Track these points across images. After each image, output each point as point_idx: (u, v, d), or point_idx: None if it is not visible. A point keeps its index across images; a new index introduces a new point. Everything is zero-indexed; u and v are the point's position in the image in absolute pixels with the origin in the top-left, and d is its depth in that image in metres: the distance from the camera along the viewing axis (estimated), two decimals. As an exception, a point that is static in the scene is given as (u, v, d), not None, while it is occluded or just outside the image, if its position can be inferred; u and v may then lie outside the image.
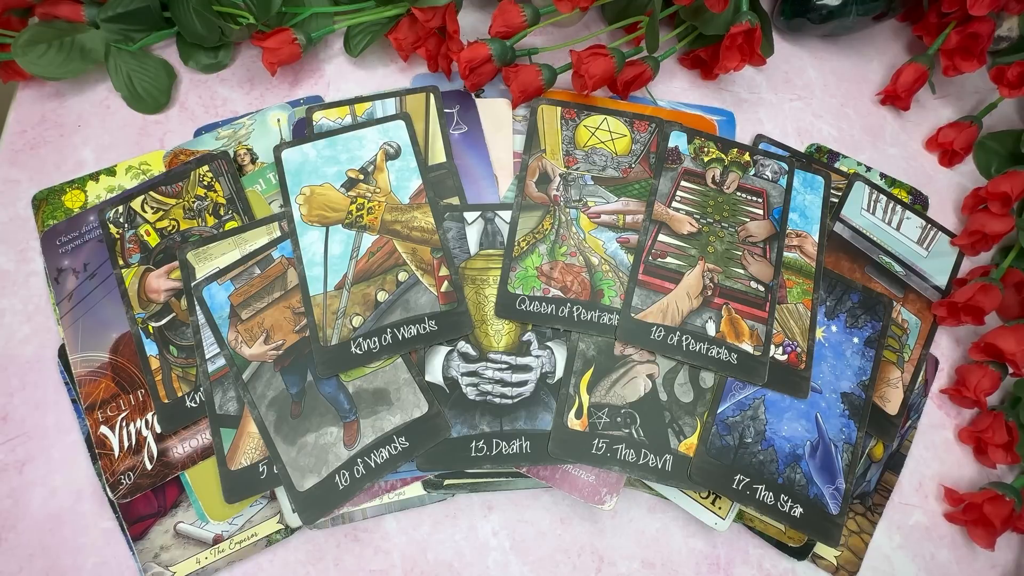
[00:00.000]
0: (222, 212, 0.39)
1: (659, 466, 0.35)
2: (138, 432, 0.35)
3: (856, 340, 0.39)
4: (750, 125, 0.46)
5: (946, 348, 0.43)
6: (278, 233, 0.38)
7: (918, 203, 0.45)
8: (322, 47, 0.45)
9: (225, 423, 0.35)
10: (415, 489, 0.36)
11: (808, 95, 0.48)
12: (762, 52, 0.42)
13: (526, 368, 0.37)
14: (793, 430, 0.37)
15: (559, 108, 0.42)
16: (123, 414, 0.35)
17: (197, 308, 0.36)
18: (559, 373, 0.37)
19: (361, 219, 0.39)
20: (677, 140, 0.42)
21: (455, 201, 0.40)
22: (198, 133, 0.42)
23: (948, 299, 0.41)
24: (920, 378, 0.40)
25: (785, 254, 0.40)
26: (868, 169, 0.45)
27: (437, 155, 0.41)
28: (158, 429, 0.35)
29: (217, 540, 0.34)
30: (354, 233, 0.38)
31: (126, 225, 0.38)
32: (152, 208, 0.39)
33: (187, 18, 0.41)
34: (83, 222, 0.38)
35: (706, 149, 0.42)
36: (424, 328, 0.37)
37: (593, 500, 0.36)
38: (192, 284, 0.37)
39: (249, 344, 0.36)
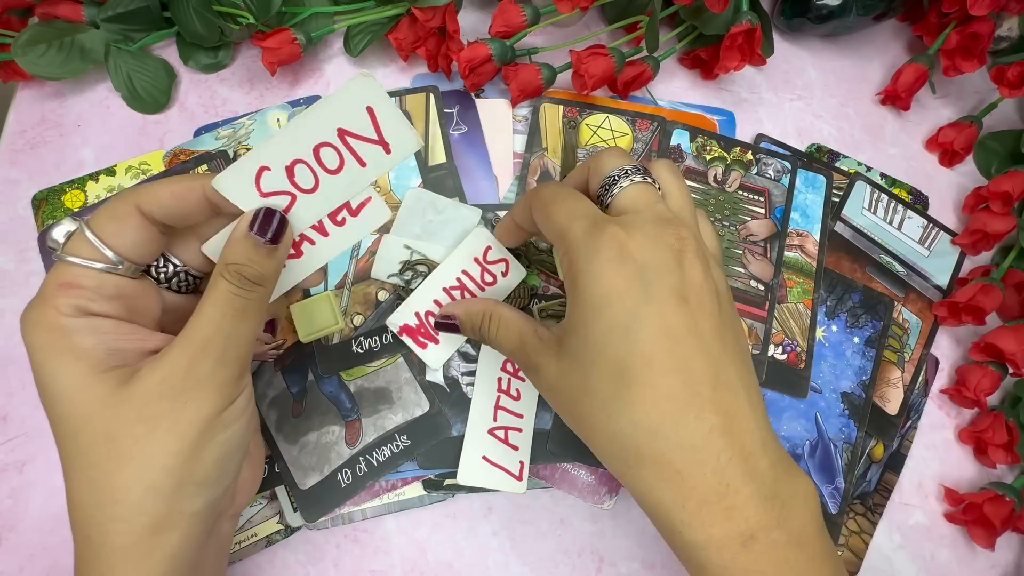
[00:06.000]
0: (222, 212, 0.39)
1: (659, 466, 0.35)
2: (138, 432, 0.35)
3: (856, 340, 0.39)
4: (750, 125, 0.46)
5: (946, 348, 0.43)
6: (278, 233, 0.38)
7: (918, 203, 0.45)
8: (322, 47, 0.45)
9: (225, 423, 0.35)
10: (415, 489, 0.36)
11: (808, 95, 0.48)
12: (762, 52, 0.42)
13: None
14: (792, 429, 0.37)
15: (561, 107, 0.42)
16: (123, 414, 0.35)
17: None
18: (559, 373, 0.37)
19: (361, 219, 0.39)
20: (679, 138, 0.42)
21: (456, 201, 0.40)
22: (198, 133, 0.42)
23: (949, 299, 0.41)
24: (920, 378, 0.40)
25: (786, 253, 0.40)
26: (868, 169, 0.45)
27: (437, 155, 0.41)
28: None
29: (217, 540, 0.34)
30: (354, 233, 0.38)
31: (126, 225, 0.38)
32: (152, 208, 0.39)
33: (187, 18, 0.41)
34: (83, 222, 0.38)
35: (708, 148, 0.42)
36: (424, 328, 0.37)
37: (593, 500, 0.36)
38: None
39: (249, 344, 0.36)
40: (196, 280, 0.28)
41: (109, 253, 0.24)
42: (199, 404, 0.24)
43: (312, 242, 0.28)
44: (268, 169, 0.25)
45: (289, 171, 0.25)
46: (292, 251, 0.28)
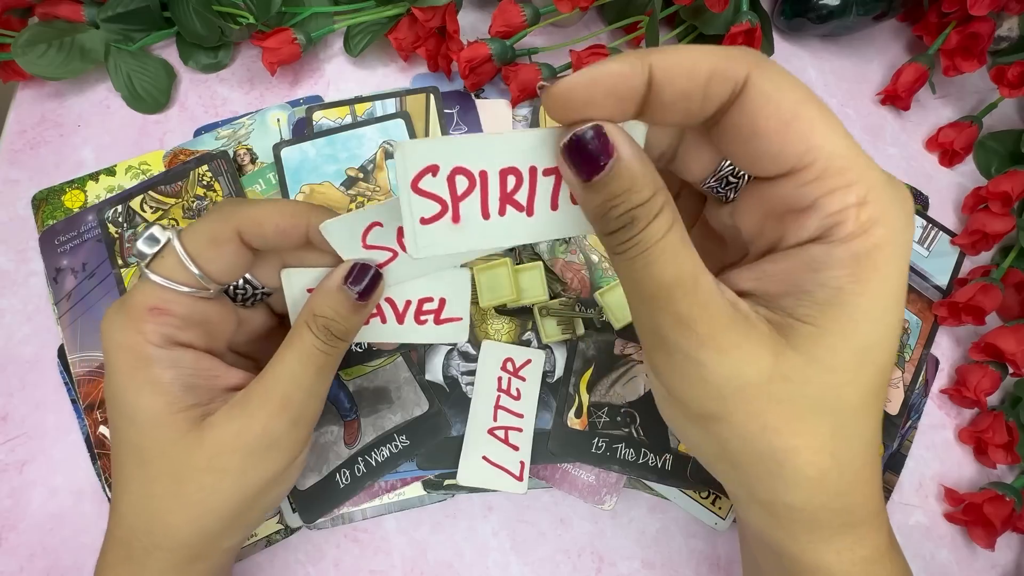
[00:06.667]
0: (222, 212, 0.39)
1: (659, 465, 0.35)
2: (138, 432, 0.35)
3: (856, 340, 0.39)
4: (750, 125, 0.46)
5: (946, 348, 0.43)
6: (278, 233, 0.38)
7: (918, 203, 0.45)
8: (322, 47, 0.45)
9: (225, 423, 0.35)
10: (415, 489, 0.36)
11: (808, 95, 0.48)
12: (762, 52, 0.42)
13: (526, 368, 0.37)
14: (793, 430, 0.37)
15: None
16: (123, 414, 0.35)
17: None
18: (559, 372, 0.37)
19: (361, 219, 0.39)
20: (677, 140, 0.42)
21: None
22: (198, 133, 0.42)
23: (949, 299, 0.41)
24: (920, 378, 0.40)
25: (785, 254, 0.40)
26: (868, 169, 0.45)
27: (437, 155, 0.41)
28: (158, 429, 0.35)
29: (217, 540, 0.34)
30: (354, 233, 0.38)
31: (125, 224, 0.38)
32: (151, 207, 0.39)
33: (187, 18, 0.41)
34: (81, 222, 0.38)
35: (706, 149, 0.42)
36: (424, 328, 0.37)
37: (593, 500, 0.36)
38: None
39: (249, 344, 0.36)
40: (265, 295, 0.28)
41: (200, 277, 0.24)
42: (268, 464, 0.24)
43: (384, 320, 0.27)
44: (379, 226, 0.25)
45: (400, 231, 0.24)
46: None
